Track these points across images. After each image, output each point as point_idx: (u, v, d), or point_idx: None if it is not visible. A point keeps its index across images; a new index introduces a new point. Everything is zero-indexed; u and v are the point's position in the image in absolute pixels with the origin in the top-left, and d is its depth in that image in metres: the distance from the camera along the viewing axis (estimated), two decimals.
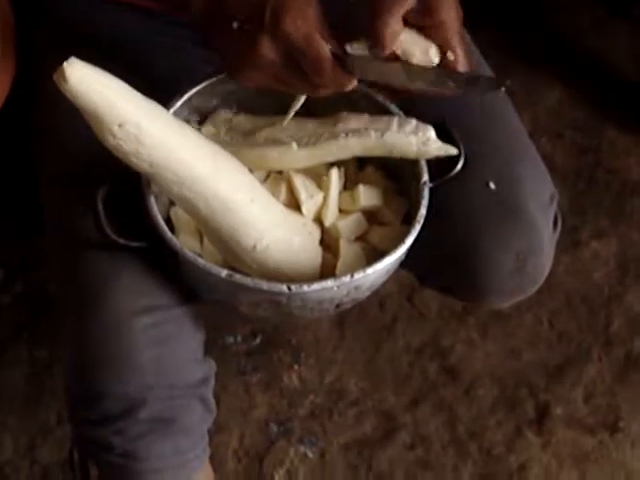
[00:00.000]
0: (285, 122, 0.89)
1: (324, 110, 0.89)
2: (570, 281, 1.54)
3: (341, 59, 0.78)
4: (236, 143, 0.90)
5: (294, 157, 0.87)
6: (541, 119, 1.71)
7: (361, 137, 0.85)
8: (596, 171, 1.66)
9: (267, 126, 0.90)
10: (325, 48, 0.77)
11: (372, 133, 0.85)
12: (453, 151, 0.86)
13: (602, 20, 1.85)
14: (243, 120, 0.92)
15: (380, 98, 0.90)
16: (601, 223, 1.60)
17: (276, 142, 0.87)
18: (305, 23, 0.76)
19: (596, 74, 1.78)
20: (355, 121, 0.87)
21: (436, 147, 0.85)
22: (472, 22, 1.14)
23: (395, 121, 0.85)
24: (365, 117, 0.87)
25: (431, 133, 0.85)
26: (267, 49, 0.77)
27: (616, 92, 1.75)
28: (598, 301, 1.53)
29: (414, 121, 0.85)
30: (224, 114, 0.93)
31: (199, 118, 0.93)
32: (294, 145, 0.86)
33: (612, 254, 1.57)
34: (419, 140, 0.84)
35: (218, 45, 0.81)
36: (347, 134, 0.85)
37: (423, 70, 0.79)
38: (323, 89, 0.81)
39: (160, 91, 0.82)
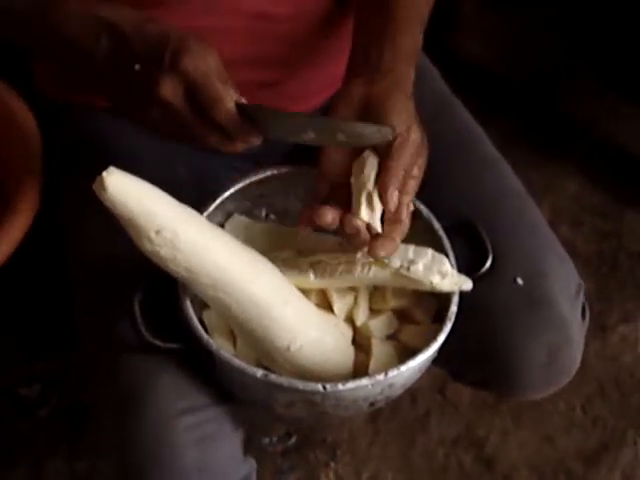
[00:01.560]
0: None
1: None
2: (601, 366, 1.54)
3: (242, 108, 0.78)
4: None
5: (311, 284, 0.89)
6: (561, 207, 1.73)
7: (377, 272, 0.87)
8: (619, 255, 1.68)
9: (285, 241, 0.92)
10: (224, 88, 0.77)
11: (386, 271, 0.86)
12: (467, 286, 0.87)
13: (614, 105, 1.88)
14: (261, 230, 0.94)
15: (417, 205, 0.91)
16: (627, 306, 1.61)
17: (294, 267, 0.89)
18: (204, 64, 0.77)
19: (612, 159, 1.81)
20: None
21: (451, 282, 0.86)
22: (486, 114, 1.17)
23: (411, 251, 0.87)
24: None
25: (447, 266, 0.86)
26: (167, 88, 0.77)
27: (633, 176, 1.77)
28: (630, 384, 1.53)
29: (430, 251, 0.86)
30: (241, 219, 0.95)
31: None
32: (311, 276, 0.88)
33: None
34: (436, 277, 0.85)
35: (122, 91, 0.81)
36: (364, 267, 0.87)
37: (330, 122, 0.81)
38: (227, 141, 0.80)
39: (185, 198, 0.83)
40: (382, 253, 0.83)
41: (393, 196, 0.81)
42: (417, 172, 0.84)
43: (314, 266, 0.88)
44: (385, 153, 0.82)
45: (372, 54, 0.88)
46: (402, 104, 0.84)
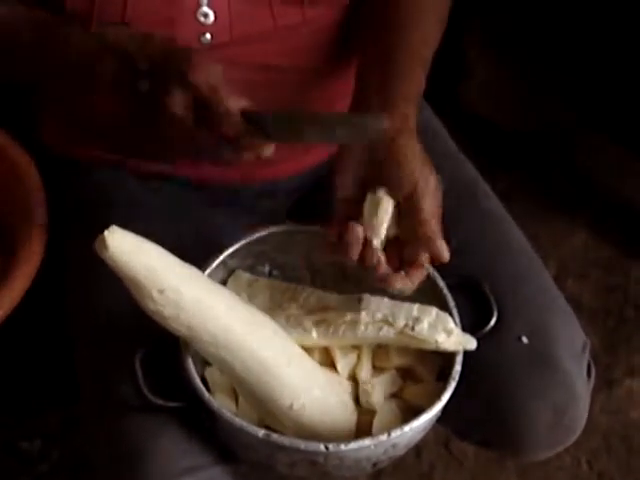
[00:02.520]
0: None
1: (359, 275, 0.92)
2: (607, 421, 1.52)
3: (247, 115, 0.78)
4: None
5: (314, 343, 0.89)
6: (566, 260, 1.73)
7: (380, 332, 0.86)
8: (625, 309, 1.67)
9: (288, 298, 0.91)
10: (232, 100, 0.76)
11: (390, 330, 0.86)
12: (472, 345, 0.87)
13: (620, 159, 1.89)
14: (264, 286, 0.94)
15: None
16: (633, 360, 1.60)
17: (298, 324, 0.89)
18: (212, 78, 0.76)
19: (618, 213, 1.81)
20: (375, 305, 0.88)
21: (455, 341, 0.86)
22: (492, 168, 1.18)
23: (416, 309, 0.87)
24: (385, 301, 0.88)
25: (452, 325, 0.86)
26: (176, 102, 0.76)
27: (638, 230, 1.77)
28: (636, 439, 1.51)
29: (434, 310, 0.86)
30: (244, 275, 0.95)
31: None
32: (314, 334, 0.88)
33: None
34: (440, 336, 0.85)
35: (130, 112, 0.80)
36: (367, 326, 0.87)
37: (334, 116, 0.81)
38: (237, 152, 0.79)
39: (188, 255, 0.83)
40: (398, 285, 0.83)
41: (443, 249, 0.83)
42: (440, 211, 0.85)
43: (317, 324, 0.88)
44: (412, 202, 0.83)
45: (375, 98, 0.89)
46: (410, 147, 0.85)
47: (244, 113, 0.77)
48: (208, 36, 0.92)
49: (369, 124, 0.78)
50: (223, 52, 0.94)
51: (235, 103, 0.76)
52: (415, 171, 0.84)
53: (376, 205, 0.84)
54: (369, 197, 0.84)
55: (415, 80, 0.91)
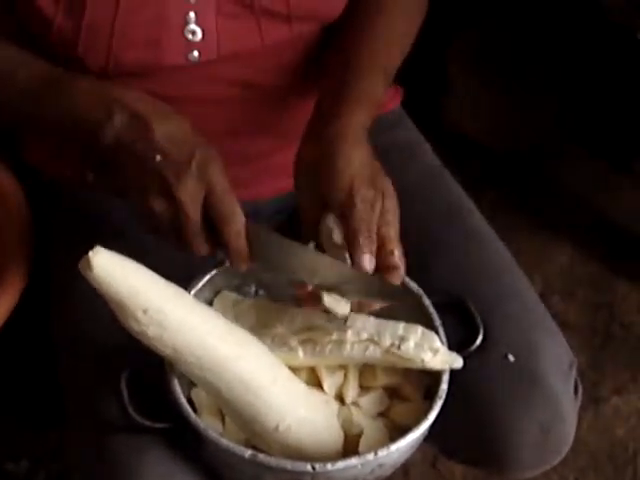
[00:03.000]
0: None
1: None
2: (594, 439, 1.52)
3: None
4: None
5: (300, 362, 0.88)
6: (551, 278, 1.73)
7: (366, 351, 0.86)
8: (611, 326, 1.67)
9: (274, 318, 0.91)
10: (238, 208, 0.80)
11: (376, 349, 0.86)
12: (458, 364, 0.86)
13: (604, 176, 1.90)
14: (250, 306, 0.93)
15: (406, 282, 0.91)
16: (620, 378, 1.60)
17: (284, 344, 0.88)
18: (226, 180, 0.80)
19: (603, 230, 1.82)
20: (360, 324, 0.87)
21: (442, 360, 0.85)
22: (476, 185, 1.18)
23: (401, 328, 0.86)
24: (371, 320, 0.88)
25: (438, 344, 0.86)
26: (188, 191, 0.79)
27: (624, 246, 1.78)
28: (623, 457, 1.51)
29: (420, 329, 0.86)
30: (230, 295, 0.95)
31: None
32: (300, 353, 0.88)
33: (634, 409, 1.56)
34: (426, 355, 0.85)
35: (128, 175, 0.82)
36: (353, 346, 0.86)
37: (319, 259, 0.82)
38: (227, 251, 0.82)
39: (174, 275, 0.83)
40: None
41: (364, 259, 0.80)
42: (390, 217, 0.83)
43: (303, 344, 0.88)
44: (341, 215, 0.82)
45: (323, 104, 0.90)
46: (345, 158, 0.84)
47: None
48: (196, 53, 0.92)
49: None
50: (210, 69, 0.94)
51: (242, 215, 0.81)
52: (347, 180, 0.83)
53: (329, 237, 0.84)
54: (322, 228, 0.85)
55: (371, 86, 0.91)
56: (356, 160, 0.84)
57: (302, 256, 0.82)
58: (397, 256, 0.82)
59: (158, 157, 0.80)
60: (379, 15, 0.97)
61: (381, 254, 0.81)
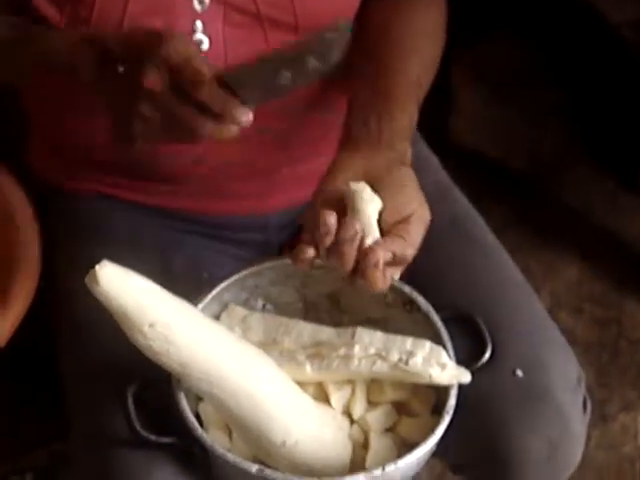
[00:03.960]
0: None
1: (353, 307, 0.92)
2: (601, 456, 1.52)
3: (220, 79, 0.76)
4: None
5: (308, 377, 0.88)
6: (560, 294, 1.73)
7: (373, 366, 0.86)
8: (619, 343, 1.67)
9: (282, 332, 0.91)
10: (204, 66, 0.75)
11: (384, 364, 0.86)
12: (466, 379, 0.86)
13: (613, 192, 1.90)
14: (258, 320, 0.93)
15: (415, 297, 0.91)
16: (628, 395, 1.60)
17: (291, 358, 0.88)
18: (183, 47, 0.76)
19: (611, 246, 1.81)
20: (368, 338, 0.87)
21: (450, 375, 0.85)
22: (484, 201, 1.18)
23: (409, 343, 0.86)
24: (378, 335, 0.88)
25: (445, 359, 0.85)
26: (150, 77, 0.75)
27: (632, 263, 1.78)
28: (631, 475, 1.51)
29: (428, 344, 0.86)
30: (237, 310, 0.94)
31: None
32: (308, 368, 0.87)
33: None
34: (434, 370, 0.85)
35: (112, 98, 0.80)
36: (360, 361, 0.86)
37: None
38: (218, 124, 0.77)
39: (181, 287, 0.83)
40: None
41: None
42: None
43: (311, 358, 0.87)
44: (403, 226, 0.82)
45: (372, 130, 0.89)
46: (409, 177, 0.85)
47: (218, 79, 0.76)
48: None
49: (336, 42, 0.73)
50: None
51: (208, 70, 0.75)
52: (416, 198, 0.83)
53: (367, 203, 0.81)
54: (356, 195, 0.81)
55: (410, 116, 0.91)
56: (417, 183, 0.86)
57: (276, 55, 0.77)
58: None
59: (120, 68, 0.78)
60: (410, 33, 0.96)
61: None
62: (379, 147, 0.87)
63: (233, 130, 0.77)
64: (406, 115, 0.90)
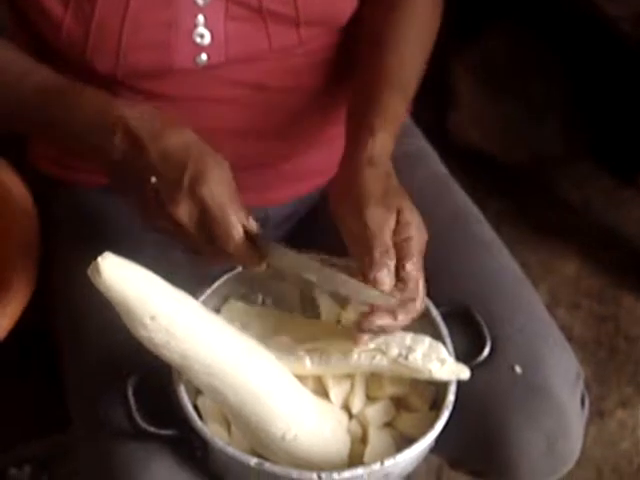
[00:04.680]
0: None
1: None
2: (599, 452, 1.52)
3: (253, 238, 0.81)
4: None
5: (307, 371, 0.88)
6: (557, 290, 1.73)
7: (373, 360, 0.86)
8: (616, 339, 1.67)
9: (281, 327, 0.91)
10: (237, 220, 0.80)
11: (384, 359, 0.86)
12: (465, 375, 0.86)
13: (611, 188, 1.90)
14: (258, 315, 0.93)
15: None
16: (625, 392, 1.60)
17: (291, 353, 0.88)
18: (222, 192, 0.79)
19: (609, 243, 1.82)
20: None
21: (449, 370, 0.85)
22: (483, 196, 1.18)
23: (409, 338, 0.86)
24: None
25: (444, 354, 0.85)
26: (183, 211, 0.79)
27: (630, 260, 1.78)
28: (628, 471, 1.52)
29: (427, 339, 0.86)
30: (238, 304, 0.95)
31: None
32: (307, 362, 0.87)
33: (638, 422, 1.56)
34: (434, 366, 0.85)
35: (133, 195, 0.83)
36: (360, 355, 0.86)
37: (333, 276, 0.81)
38: (230, 260, 0.83)
39: (181, 281, 0.83)
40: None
41: (379, 275, 0.80)
42: (412, 232, 0.83)
43: (310, 353, 0.88)
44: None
45: (350, 130, 0.91)
46: (356, 182, 0.85)
47: (249, 234, 0.81)
48: (204, 57, 0.93)
49: (376, 300, 0.80)
50: (218, 73, 0.95)
51: (242, 219, 0.80)
52: (356, 203, 0.83)
53: None
54: None
55: (390, 109, 0.91)
56: (367, 182, 0.85)
57: (312, 269, 0.82)
58: (413, 276, 0.82)
59: (153, 179, 0.80)
60: (395, 29, 0.97)
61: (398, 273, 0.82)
62: (348, 153, 0.89)
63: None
64: (384, 109, 0.90)
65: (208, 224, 0.80)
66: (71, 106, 0.85)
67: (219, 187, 0.79)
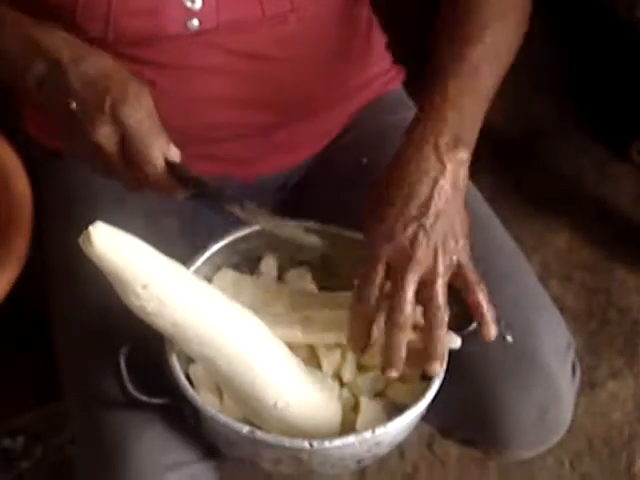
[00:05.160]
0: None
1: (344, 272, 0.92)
2: (590, 423, 1.53)
3: (174, 167, 0.81)
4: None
5: (299, 340, 0.88)
6: (549, 262, 1.73)
7: None
8: (608, 311, 1.68)
9: (273, 296, 0.91)
10: (157, 145, 0.80)
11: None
12: (456, 343, 0.86)
13: (602, 161, 1.90)
14: (249, 284, 0.93)
15: None
16: (616, 363, 1.61)
17: (282, 321, 0.88)
18: (143, 116, 0.80)
19: (600, 215, 1.82)
20: None
21: None
22: (475, 170, 1.18)
23: None
24: None
25: None
26: (103, 134, 0.79)
27: (622, 232, 1.79)
28: (619, 441, 1.52)
29: (418, 308, 0.84)
30: (229, 273, 0.95)
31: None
32: (299, 332, 0.88)
33: (629, 394, 1.57)
34: None
35: (59, 120, 0.83)
36: None
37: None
38: (150, 187, 0.83)
39: (174, 251, 0.83)
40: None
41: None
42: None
43: (302, 322, 0.88)
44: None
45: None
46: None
47: (171, 165, 0.81)
48: (195, 22, 0.92)
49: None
50: (210, 39, 0.94)
51: (162, 145, 0.80)
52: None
53: None
54: None
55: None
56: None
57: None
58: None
59: (74, 104, 0.80)
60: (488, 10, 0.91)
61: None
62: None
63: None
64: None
65: (128, 147, 0.80)
66: (4, 37, 0.86)
67: (140, 111, 0.80)
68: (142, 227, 0.82)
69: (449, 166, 0.83)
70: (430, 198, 0.82)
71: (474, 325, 0.89)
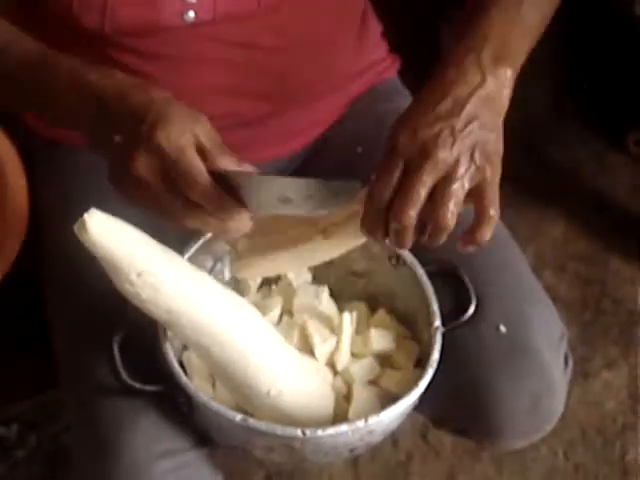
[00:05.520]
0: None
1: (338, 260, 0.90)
2: (583, 412, 1.54)
3: (223, 177, 0.73)
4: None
5: (320, 247, 0.84)
6: (545, 252, 1.74)
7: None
8: (602, 301, 1.68)
9: (294, 221, 0.85)
10: (198, 161, 0.72)
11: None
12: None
13: (599, 152, 1.90)
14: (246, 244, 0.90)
15: (400, 251, 0.91)
16: (610, 353, 1.61)
17: (308, 239, 0.84)
18: (180, 136, 0.72)
19: (597, 206, 1.82)
20: None
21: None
22: None
23: None
24: None
25: None
26: (141, 163, 0.73)
27: (617, 223, 1.79)
28: (612, 431, 1.53)
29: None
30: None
31: (213, 262, 0.95)
32: (320, 238, 0.83)
33: (623, 383, 1.58)
34: None
35: (106, 160, 0.78)
36: None
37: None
38: (214, 222, 0.75)
39: (168, 238, 0.82)
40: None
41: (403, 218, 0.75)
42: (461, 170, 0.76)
43: (324, 230, 0.83)
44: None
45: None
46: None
47: (217, 175, 0.73)
48: (191, 14, 0.92)
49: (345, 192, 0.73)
50: (207, 31, 0.94)
51: (204, 169, 0.72)
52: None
53: None
54: None
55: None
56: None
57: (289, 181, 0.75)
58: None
59: (117, 138, 0.75)
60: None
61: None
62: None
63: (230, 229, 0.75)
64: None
65: (168, 172, 0.73)
66: (47, 79, 0.82)
67: (177, 133, 0.72)
68: (138, 214, 0.81)
69: (490, 79, 0.78)
70: (465, 101, 0.77)
71: (468, 315, 0.90)
